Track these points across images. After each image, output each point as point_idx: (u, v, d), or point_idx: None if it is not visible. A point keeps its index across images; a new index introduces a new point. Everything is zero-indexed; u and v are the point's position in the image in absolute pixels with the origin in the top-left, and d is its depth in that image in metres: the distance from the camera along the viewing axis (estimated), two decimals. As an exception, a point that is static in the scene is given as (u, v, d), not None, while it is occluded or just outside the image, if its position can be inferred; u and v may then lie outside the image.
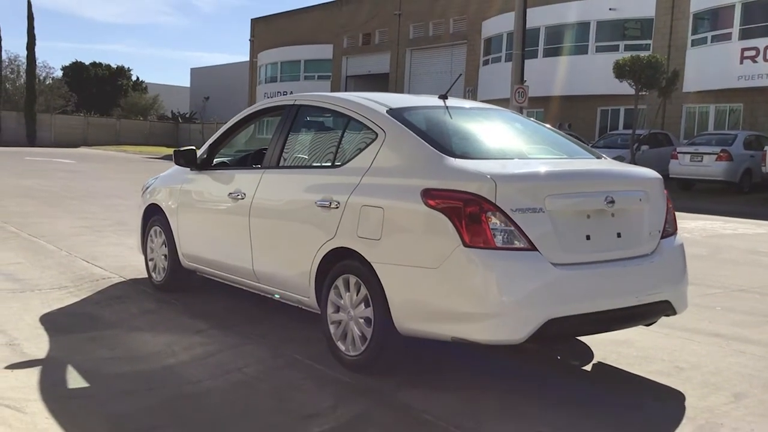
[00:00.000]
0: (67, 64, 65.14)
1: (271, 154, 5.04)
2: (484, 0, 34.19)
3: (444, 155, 3.93)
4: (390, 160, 4.15)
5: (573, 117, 28.71)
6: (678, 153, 21.00)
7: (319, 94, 5.11)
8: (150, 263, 6.33)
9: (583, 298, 3.77)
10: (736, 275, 7.97)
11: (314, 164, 4.90)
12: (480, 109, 5.12)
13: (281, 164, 4.98)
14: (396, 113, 4.34)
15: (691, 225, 12.65)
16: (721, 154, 20.01)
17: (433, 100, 4.79)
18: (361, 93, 4.91)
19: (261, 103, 5.65)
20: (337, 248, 4.24)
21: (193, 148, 5.80)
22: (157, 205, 6.17)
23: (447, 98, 4.75)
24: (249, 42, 52.34)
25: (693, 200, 18.38)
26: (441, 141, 4.12)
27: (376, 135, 4.27)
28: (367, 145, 4.30)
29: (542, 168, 4.03)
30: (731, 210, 16.49)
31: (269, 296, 5.11)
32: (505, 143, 4.64)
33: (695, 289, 5.73)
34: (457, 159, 3.91)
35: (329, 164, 4.60)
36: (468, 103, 5.21)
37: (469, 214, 3.63)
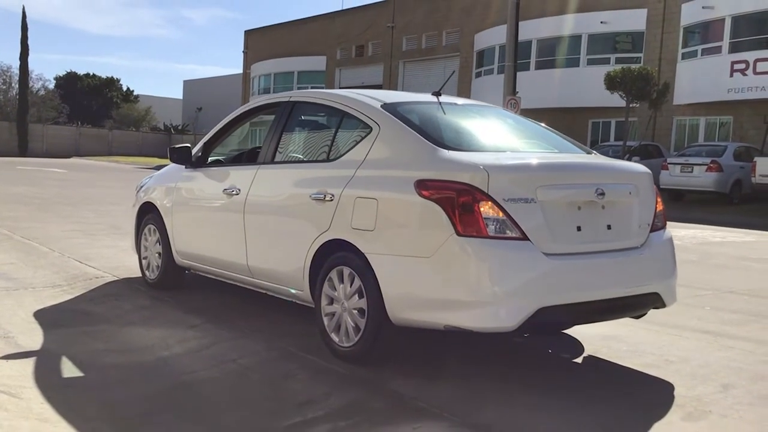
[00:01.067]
0: (61, 74, 65.25)
1: (266, 150, 5.08)
2: (477, 13, 34.47)
3: (437, 147, 3.99)
4: (384, 152, 4.21)
5: (565, 129, 28.45)
6: (668, 164, 21.13)
7: (314, 91, 5.19)
8: (144, 261, 6.35)
9: (573, 288, 3.82)
10: (725, 278, 8.05)
11: (309, 159, 4.95)
12: (473, 106, 5.20)
13: (276, 160, 5.03)
14: (390, 108, 4.41)
15: (681, 233, 12.74)
16: (711, 165, 20.16)
17: (426, 97, 4.86)
18: (356, 90, 4.98)
19: (256, 100, 5.70)
20: (331, 240, 4.29)
21: (188, 145, 5.84)
22: (151, 203, 6.20)
23: (440, 95, 4.83)
24: (242, 54, 52.48)
25: (683, 210, 18.49)
26: (434, 134, 4.18)
27: (371, 129, 4.33)
28: (362, 139, 4.36)
29: (534, 160, 4.10)
30: (721, 220, 16.62)
31: (263, 292, 5.14)
32: (497, 137, 4.72)
33: (685, 290, 5.78)
34: (450, 151, 3.97)
35: (324, 158, 4.65)
36: (461, 100, 5.27)
37: (462, 203, 3.68)
